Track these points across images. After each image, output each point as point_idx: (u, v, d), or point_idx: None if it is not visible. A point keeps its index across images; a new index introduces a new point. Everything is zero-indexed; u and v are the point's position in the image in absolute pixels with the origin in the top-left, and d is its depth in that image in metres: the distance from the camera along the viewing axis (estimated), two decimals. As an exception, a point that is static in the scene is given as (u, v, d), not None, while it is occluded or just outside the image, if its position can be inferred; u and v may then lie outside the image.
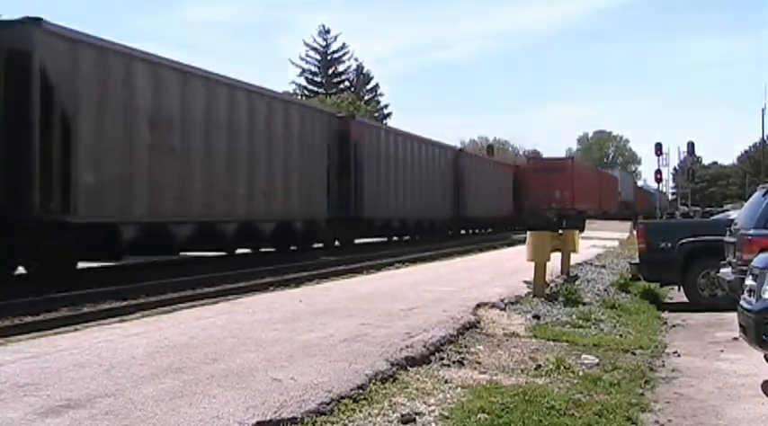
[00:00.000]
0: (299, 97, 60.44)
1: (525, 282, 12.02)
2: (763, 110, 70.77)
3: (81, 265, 15.03)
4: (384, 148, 28.43)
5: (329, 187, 24.00)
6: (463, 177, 35.78)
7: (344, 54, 70.24)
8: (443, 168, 33.82)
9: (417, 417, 5.06)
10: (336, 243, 25.55)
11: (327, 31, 70.11)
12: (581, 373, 6.83)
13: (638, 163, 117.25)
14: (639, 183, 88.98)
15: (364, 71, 70.90)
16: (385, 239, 29.99)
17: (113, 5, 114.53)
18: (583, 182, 46.09)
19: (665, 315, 11.99)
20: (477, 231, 39.82)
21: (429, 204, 31.56)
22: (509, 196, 44.37)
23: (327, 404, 5.03)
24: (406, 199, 29.55)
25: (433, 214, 32.56)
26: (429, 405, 5.37)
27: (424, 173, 31.32)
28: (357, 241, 27.30)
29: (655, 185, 53.07)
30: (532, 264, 11.55)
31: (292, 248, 22.14)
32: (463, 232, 37.04)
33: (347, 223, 25.53)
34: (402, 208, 29.46)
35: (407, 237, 31.32)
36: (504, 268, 15.95)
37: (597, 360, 7.44)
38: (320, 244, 24.14)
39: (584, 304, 11.22)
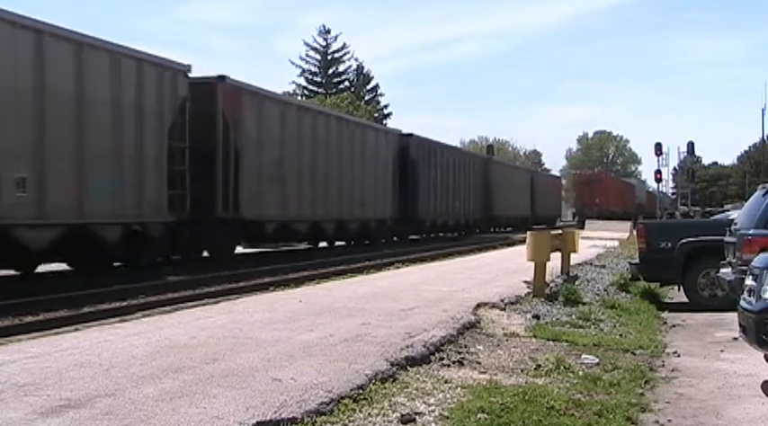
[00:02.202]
0: (300, 97, 60.45)
1: (525, 282, 12.02)
2: (763, 110, 70.85)
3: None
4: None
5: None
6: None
7: (344, 54, 70.24)
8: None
9: (417, 417, 5.06)
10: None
11: (327, 31, 70.12)
12: (581, 373, 6.83)
13: (638, 163, 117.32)
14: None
15: (364, 71, 70.90)
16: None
17: (112, 5, 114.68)
18: (613, 190, 60.29)
19: (665, 314, 11.99)
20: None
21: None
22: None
23: (327, 404, 5.04)
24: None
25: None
26: (429, 405, 5.37)
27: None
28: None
29: (654, 185, 55.26)
30: (532, 264, 11.55)
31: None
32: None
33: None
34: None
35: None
36: (505, 268, 15.95)
37: (597, 360, 7.44)
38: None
39: (584, 304, 11.23)
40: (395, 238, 30.23)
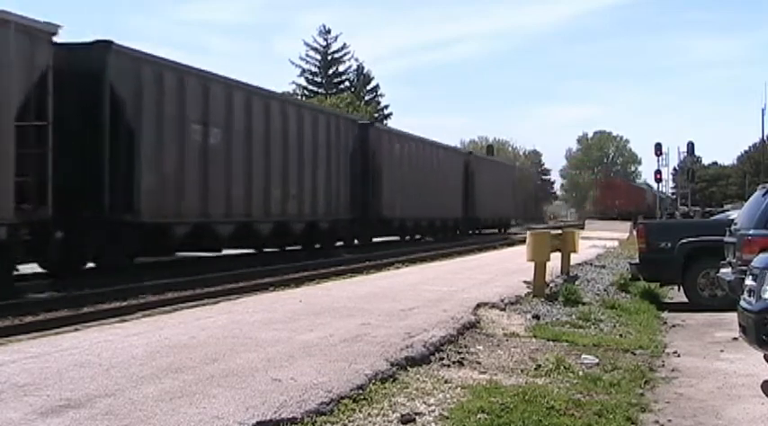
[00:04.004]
0: (300, 97, 60.40)
1: (525, 282, 12.01)
2: (763, 110, 70.64)
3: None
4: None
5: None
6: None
7: (345, 54, 70.23)
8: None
9: (417, 417, 5.06)
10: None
11: (328, 31, 70.12)
12: (581, 373, 6.83)
13: (638, 163, 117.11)
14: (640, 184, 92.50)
15: (364, 71, 70.87)
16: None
17: (113, 5, 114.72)
18: (629, 194, 68.66)
19: (665, 314, 11.99)
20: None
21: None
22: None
23: (327, 404, 5.03)
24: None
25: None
26: (429, 405, 5.37)
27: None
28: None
29: (655, 185, 56.70)
30: (532, 264, 11.55)
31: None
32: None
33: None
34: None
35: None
36: (504, 268, 15.95)
37: (597, 360, 7.44)
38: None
39: (583, 304, 11.23)
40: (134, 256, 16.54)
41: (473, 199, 38.44)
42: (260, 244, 20.99)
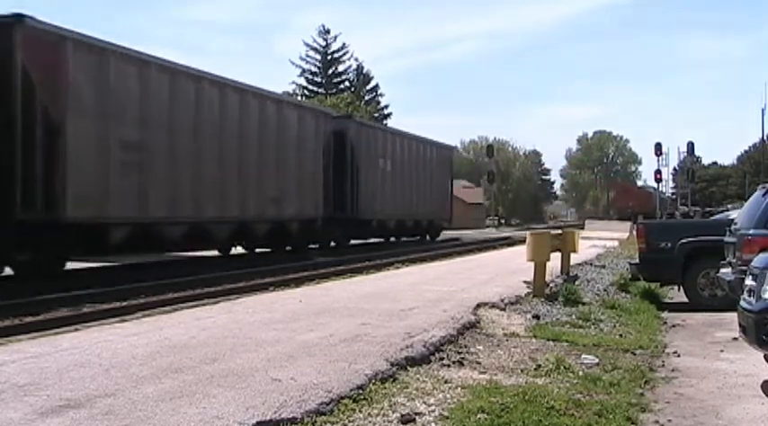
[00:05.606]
0: (300, 97, 60.41)
1: (525, 282, 12.01)
2: (763, 110, 71.03)
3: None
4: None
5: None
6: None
7: (344, 54, 70.32)
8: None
9: (417, 417, 5.06)
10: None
11: (327, 31, 70.18)
12: (581, 373, 6.83)
13: (639, 163, 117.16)
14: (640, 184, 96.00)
15: (364, 71, 70.91)
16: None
17: (112, 5, 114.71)
18: (639, 197, 77.56)
19: (665, 314, 11.99)
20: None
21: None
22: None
23: (327, 404, 5.03)
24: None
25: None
26: (429, 405, 5.37)
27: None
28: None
29: (654, 185, 57.76)
30: (532, 264, 11.54)
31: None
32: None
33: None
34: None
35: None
36: (505, 268, 15.95)
37: (597, 360, 7.44)
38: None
39: (583, 304, 11.23)
40: None
41: (357, 190, 25.74)
42: None
